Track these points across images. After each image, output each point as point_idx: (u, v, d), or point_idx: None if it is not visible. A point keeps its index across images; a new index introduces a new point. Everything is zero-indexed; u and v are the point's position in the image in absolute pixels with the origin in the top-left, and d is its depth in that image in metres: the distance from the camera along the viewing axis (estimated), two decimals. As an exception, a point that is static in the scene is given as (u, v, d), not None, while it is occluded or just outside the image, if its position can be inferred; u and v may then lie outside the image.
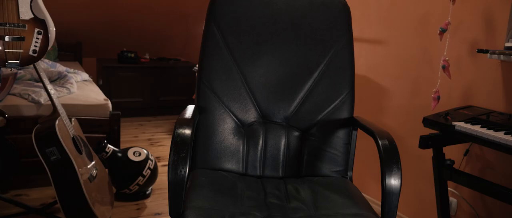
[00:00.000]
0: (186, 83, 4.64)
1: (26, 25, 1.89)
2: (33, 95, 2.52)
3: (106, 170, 2.38)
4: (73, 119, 2.16)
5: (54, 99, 2.02)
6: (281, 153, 1.59)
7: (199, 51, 1.63)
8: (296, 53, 1.63)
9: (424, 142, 1.73)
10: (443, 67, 1.89)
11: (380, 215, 1.23)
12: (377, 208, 2.48)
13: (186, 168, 1.14)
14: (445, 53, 1.92)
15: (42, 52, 1.94)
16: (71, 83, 2.88)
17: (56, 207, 2.30)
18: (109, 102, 2.75)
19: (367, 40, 2.49)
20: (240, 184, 1.43)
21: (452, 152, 1.99)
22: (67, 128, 2.02)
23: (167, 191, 2.70)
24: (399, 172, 1.19)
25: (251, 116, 1.60)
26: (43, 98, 2.50)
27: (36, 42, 1.92)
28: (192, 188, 1.33)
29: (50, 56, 3.97)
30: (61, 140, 1.90)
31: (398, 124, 2.31)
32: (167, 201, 2.57)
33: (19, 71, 2.94)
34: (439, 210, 1.88)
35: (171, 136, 3.84)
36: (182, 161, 1.14)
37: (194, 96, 1.66)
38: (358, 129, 1.60)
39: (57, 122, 1.93)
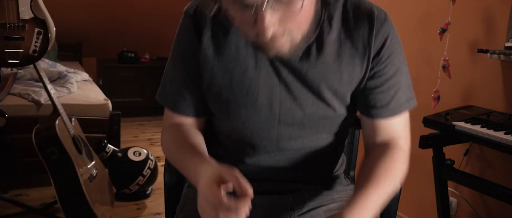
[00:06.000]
0: (186, 83, 4.63)
1: (26, 25, 1.89)
2: (33, 95, 2.52)
3: (106, 170, 2.38)
4: (73, 119, 2.16)
5: (54, 99, 2.01)
6: (281, 153, 1.58)
7: (199, 51, 1.62)
8: (296, 53, 1.62)
9: (424, 142, 1.72)
10: (443, 67, 1.90)
11: (380, 215, 1.23)
12: (377, 208, 2.48)
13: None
14: (445, 53, 1.92)
15: (42, 52, 1.94)
16: (71, 83, 2.88)
17: (56, 207, 2.30)
18: (109, 102, 2.75)
19: (367, 40, 2.49)
20: (240, 184, 1.42)
21: (452, 152, 1.98)
22: (67, 128, 2.02)
23: (167, 191, 2.70)
24: (399, 172, 1.19)
25: (251, 115, 1.59)
26: (43, 98, 2.50)
27: (36, 42, 1.92)
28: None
29: (50, 56, 3.97)
30: (61, 139, 1.90)
31: (398, 124, 2.31)
32: (167, 201, 2.57)
33: (19, 71, 2.94)
34: (439, 210, 1.88)
35: (171, 136, 3.84)
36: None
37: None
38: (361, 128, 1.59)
39: (57, 122, 1.93)
